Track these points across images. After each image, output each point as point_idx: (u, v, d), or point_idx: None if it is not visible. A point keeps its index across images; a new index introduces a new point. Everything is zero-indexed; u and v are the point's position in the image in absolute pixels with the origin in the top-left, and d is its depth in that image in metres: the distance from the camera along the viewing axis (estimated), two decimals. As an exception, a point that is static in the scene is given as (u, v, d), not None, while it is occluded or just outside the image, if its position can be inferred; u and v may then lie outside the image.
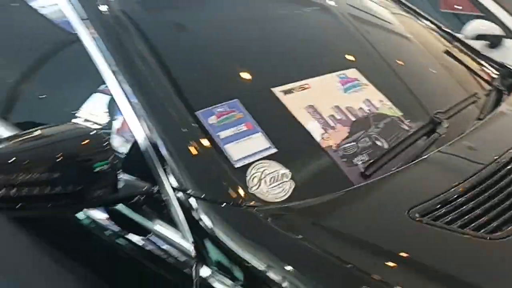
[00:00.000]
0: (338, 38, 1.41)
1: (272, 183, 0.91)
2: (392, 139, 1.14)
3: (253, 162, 0.93)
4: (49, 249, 1.11)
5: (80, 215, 0.99)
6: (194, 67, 1.13)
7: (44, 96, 1.26)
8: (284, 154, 0.97)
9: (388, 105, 1.22)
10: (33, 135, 0.87)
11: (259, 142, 0.97)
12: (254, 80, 1.15)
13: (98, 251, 1.02)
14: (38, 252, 1.15)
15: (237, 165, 0.92)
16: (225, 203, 0.85)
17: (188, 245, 0.84)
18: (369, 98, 1.22)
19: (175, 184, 0.87)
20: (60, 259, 1.09)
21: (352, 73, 1.26)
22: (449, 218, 0.83)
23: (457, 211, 0.85)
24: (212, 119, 0.97)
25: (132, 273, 0.95)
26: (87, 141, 0.86)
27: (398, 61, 1.41)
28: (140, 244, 0.91)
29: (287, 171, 0.94)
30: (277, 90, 1.10)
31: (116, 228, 0.95)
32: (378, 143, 1.11)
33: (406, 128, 1.18)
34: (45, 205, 0.83)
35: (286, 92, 1.11)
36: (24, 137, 0.86)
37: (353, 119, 1.14)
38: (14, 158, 0.81)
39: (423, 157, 1.05)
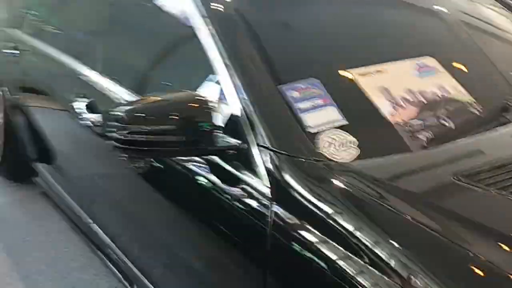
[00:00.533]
0: (419, 25, 1.54)
1: (339, 147, 1.10)
2: (460, 122, 1.25)
3: (325, 130, 1.12)
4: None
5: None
6: (289, 54, 1.35)
7: (166, 83, 1.56)
8: (354, 126, 1.15)
9: (461, 92, 1.33)
10: (158, 98, 1.16)
11: (332, 114, 1.16)
12: (335, 63, 1.34)
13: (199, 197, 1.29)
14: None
15: (311, 130, 1.12)
16: (298, 158, 1.06)
17: (267, 190, 1.06)
18: (443, 84, 1.33)
19: (260, 142, 1.10)
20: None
21: (430, 61, 1.38)
22: (491, 181, 0.95)
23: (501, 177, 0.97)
24: (294, 93, 1.18)
25: (221, 213, 1.20)
26: (196, 104, 1.13)
27: (475, 51, 1.49)
28: (229, 190, 1.15)
29: (354, 139, 1.12)
30: (355, 72, 1.28)
31: (210, 175, 1.20)
32: (445, 123, 1.24)
33: (476, 112, 1.28)
34: (163, 150, 1.12)
35: (363, 74, 1.28)
36: (152, 99, 1.16)
37: (424, 101, 1.27)
38: (144, 114, 1.11)
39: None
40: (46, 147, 2.32)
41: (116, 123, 1.11)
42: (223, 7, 1.38)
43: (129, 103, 1.19)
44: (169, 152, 1.16)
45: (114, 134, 1.12)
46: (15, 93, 2.58)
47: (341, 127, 1.14)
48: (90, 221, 1.96)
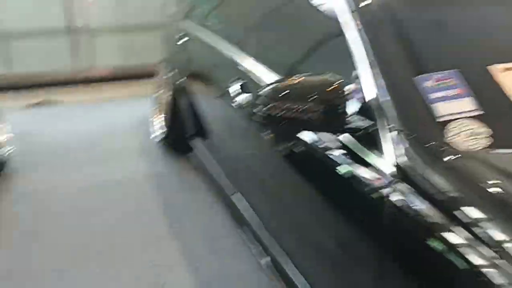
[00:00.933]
0: None
1: (468, 137, 1.13)
2: None
3: (456, 119, 1.16)
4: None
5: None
6: (429, 48, 1.40)
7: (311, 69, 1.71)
8: (488, 117, 1.16)
9: None
10: (300, 79, 1.32)
11: (466, 104, 1.19)
12: (475, 58, 1.35)
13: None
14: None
15: (442, 119, 1.17)
16: (426, 143, 1.13)
17: (394, 170, 1.14)
18: None
19: (391, 125, 1.19)
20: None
21: None
22: None
23: None
24: (429, 83, 1.24)
25: (350, 191, 1.31)
26: (335, 87, 1.26)
27: None
28: (358, 168, 1.26)
29: (486, 129, 1.14)
30: (496, 67, 1.28)
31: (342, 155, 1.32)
32: None
33: None
34: (301, 125, 1.28)
35: (504, 69, 1.28)
36: (294, 80, 1.32)
37: None
38: (287, 91, 1.28)
39: None
40: (202, 125, 2.66)
41: (262, 100, 1.30)
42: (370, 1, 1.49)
43: (275, 82, 1.37)
44: (307, 127, 1.32)
45: (260, 109, 1.31)
46: (181, 76, 2.99)
47: (475, 117, 1.17)
48: (236, 193, 2.22)
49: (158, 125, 3.39)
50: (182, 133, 3.02)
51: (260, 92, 1.33)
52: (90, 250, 2.29)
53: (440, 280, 0.99)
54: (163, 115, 3.31)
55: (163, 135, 3.29)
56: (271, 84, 1.35)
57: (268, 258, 1.89)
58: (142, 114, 4.00)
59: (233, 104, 1.96)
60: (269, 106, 1.28)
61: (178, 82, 3.04)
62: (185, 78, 2.93)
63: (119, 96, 4.69)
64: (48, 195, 2.80)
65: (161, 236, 2.41)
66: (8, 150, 3.06)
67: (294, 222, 1.70)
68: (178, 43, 3.01)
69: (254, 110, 1.35)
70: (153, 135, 3.44)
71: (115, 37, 5.25)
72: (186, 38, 2.91)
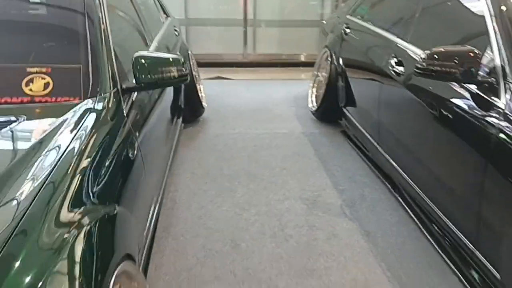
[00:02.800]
0: None
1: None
2: None
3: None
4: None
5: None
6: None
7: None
8: None
9: None
10: (448, 48, 2.05)
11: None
12: None
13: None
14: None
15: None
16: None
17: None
18: None
19: (507, 79, 1.86)
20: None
21: None
22: None
23: None
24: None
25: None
26: (472, 55, 1.97)
27: None
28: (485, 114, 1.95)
29: None
30: None
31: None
32: None
33: None
34: (447, 77, 2.01)
35: None
36: (445, 47, 2.05)
37: None
38: (440, 54, 2.02)
39: None
40: (351, 97, 3.46)
41: (424, 59, 2.05)
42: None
43: (428, 50, 2.10)
44: (451, 79, 2.04)
45: (421, 65, 2.06)
46: (337, 59, 3.82)
47: None
48: (377, 148, 2.98)
49: (314, 98, 4.26)
50: (334, 105, 3.85)
51: (422, 55, 2.08)
52: (264, 171, 3.21)
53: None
54: (319, 90, 4.17)
55: (317, 107, 4.16)
56: (430, 51, 2.09)
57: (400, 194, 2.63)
58: (297, 92, 4.94)
59: (391, 73, 2.72)
60: (428, 63, 2.03)
61: (334, 64, 3.88)
62: (341, 61, 3.76)
63: (277, 78, 5.71)
64: (233, 136, 3.82)
65: (313, 169, 3.25)
66: (205, 104, 4.17)
67: (430, 169, 2.40)
68: (339, 33, 3.85)
69: (417, 65, 2.10)
70: (309, 106, 4.33)
71: (277, 29, 6.32)
72: (346, 29, 3.74)
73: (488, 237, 1.88)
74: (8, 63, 1.74)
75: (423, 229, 2.44)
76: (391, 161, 2.80)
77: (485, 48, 2.04)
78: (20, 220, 1.03)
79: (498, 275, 1.79)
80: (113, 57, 1.83)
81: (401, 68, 2.64)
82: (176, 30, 3.91)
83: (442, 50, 2.05)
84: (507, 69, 1.90)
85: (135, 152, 1.72)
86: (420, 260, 2.27)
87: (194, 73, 3.99)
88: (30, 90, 1.63)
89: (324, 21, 5.16)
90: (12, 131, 1.44)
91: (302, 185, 3.02)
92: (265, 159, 3.39)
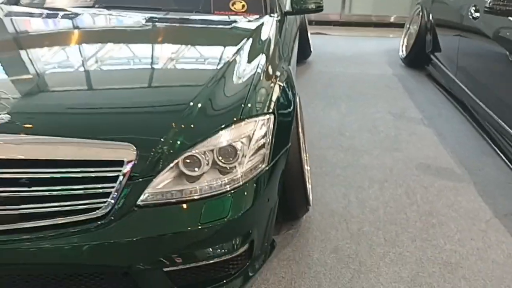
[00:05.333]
0: None
1: None
2: None
3: None
4: None
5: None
6: None
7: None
8: None
9: None
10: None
11: None
12: None
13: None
14: None
15: None
16: None
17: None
18: None
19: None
20: None
21: None
22: None
23: None
24: None
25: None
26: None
27: None
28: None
29: None
30: None
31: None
32: None
33: None
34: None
35: None
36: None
37: None
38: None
39: None
40: (437, 45, 4.27)
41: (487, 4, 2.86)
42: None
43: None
44: (507, 15, 2.85)
45: (489, 4, 2.88)
46: (427, 14, 4.61)
47: None
48: (474, 99, 3.80)
49: (404, 48, 5.10)
50: (421, 52, 4.67)
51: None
52: (360, 96, 4.16)
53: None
54: (409, 41, 4.99)
55: (407, 54, 4.98)
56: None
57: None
58: (387, 46, 5.77)
59: (469, 18, 3.52)
60: (494, 2, 2.85)
61: (424, 19, 4.67)
62: (431, 15, 4.55)
63: (369, 36, 6.55)
64: (335, 72, 4.79)
65: (401, 96, 4.14)
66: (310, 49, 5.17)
67: (494, 91, 3.21)
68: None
69: (486, 6, 2.92)
70: (400, 54, 5.16)
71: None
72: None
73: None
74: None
75: (482, 132, 3.29)
76: (464, 88, 3.63)
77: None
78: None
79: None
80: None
81: (477, 14, 3.44)
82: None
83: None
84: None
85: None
86: (476, 149, 3.14)
87: (306, 21, 4.99)
88: (235, 8, 2.72)
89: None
90: (235, 26, 2.53)
91: (391, 105, 3.94)
92: (360, 89, 4.34)
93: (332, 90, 4.28)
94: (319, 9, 2.93)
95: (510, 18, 2.93)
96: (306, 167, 2.31)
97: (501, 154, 3.00)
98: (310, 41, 5.19)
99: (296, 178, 2.04)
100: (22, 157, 1.48)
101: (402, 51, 5.15)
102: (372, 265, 2.01)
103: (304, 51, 5.01)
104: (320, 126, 3.46)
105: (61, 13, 2.65)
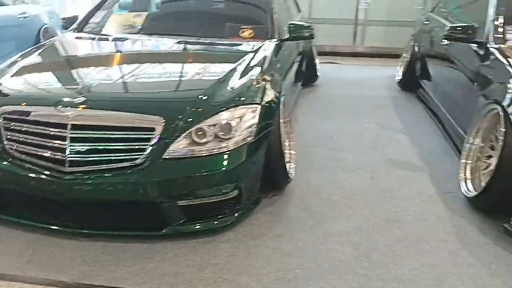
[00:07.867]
0: None
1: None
2: None
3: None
4: None
5: None
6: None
7: None
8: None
9: None
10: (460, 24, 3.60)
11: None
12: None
13: None
14: None
15: None
16: None
17: None
18: None
19: None
20: None
21: None
22: None
23: None
24: None
25: None
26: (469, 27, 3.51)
27: None
28: None
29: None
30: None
31: None
32: None
33: None
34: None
35: None
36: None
37: None
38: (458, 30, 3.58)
39: None
40: (426, 71, 5.01)
41: (445, 32, 3.61)
42: None
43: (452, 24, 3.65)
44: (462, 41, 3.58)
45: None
46: (418, 44, 5.37)
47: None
48: (443, 111, 4.50)
49: (400, 72, 5.85)
50: (412, 75, 5.41)
51: (448, 27, 3.64)
52: (355, 111, 4.90)
53: None
54: (403, 67, 5.75)
55: (401, 77, 5.74)
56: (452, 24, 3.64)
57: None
58: (388, 74, 6.53)
59: (441, 46, 4.27)
60: (451, 31, 3.59)
61: (415, 48, 5.43)
62: (420, 44, 5.31)
63: (375, 65, 7.33)
64: (337, 94, 5.58)
65: (389, 113, 4.87)
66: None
67: (452, 98, 3.92)
68: (422, 25, 5.39)
69: (444, 33, 3.66)
70: (396, 79, 5.91)
71: (381, 27, 7.93)
72: (425, 22, 5.28)
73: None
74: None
75: (447, 137, 3.98)
76: (437, 103, 4.35)
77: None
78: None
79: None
80: (280, 24, 3.75)
81: (445, 41, 4.19)
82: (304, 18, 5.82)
83: (459, 24, 3.62)
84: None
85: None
86: (441, 151, 3.84)
87: (313, 50, 5.82)
88: (243, 35, 3.59)
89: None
90: (241, 47, 3.41)
91: (379, 119, 4.68)
92: (356, 107, 5.09)
93: (331, 107, 5.06)
94: (311, 36, 3.77)
95: (463, 44, 3.67)
96: (290, 151, 3.09)
97: (459, 155, 3.68)
98: (318, 67, 6.01)
99: (277, 155, 2.81)
100: (95, 123, 2.34)
101: (398, 75, 5.90)
102: (331, 219, 2.73)
103: (312, 75, 5.83)
104: (314, 132, 4.22)
105: (112, 37, 3.67)
